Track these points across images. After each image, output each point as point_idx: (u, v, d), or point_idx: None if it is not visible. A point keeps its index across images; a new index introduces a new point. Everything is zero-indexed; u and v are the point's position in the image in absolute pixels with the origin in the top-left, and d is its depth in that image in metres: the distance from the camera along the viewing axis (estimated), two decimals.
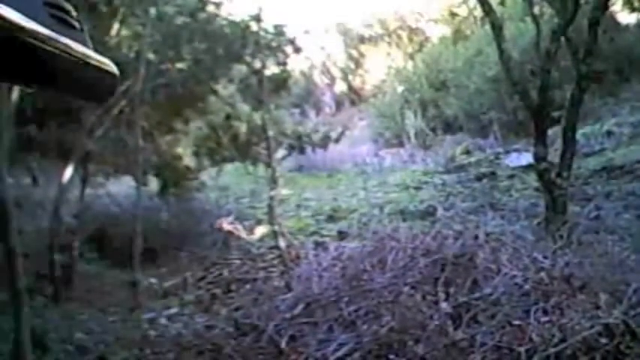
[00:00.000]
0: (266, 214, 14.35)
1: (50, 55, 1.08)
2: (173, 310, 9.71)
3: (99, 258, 12.55)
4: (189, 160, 13.82)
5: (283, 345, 6.52)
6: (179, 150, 13.69)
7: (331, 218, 14.90)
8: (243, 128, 13.52)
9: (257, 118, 12.93)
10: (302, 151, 15.21)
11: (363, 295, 7.39)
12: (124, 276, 11.38)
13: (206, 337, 7.68)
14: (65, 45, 1.12)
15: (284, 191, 15.67)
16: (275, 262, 11.59)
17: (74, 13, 1.21)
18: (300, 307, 7.62)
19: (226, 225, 14.23)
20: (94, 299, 10.46)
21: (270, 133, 11.93)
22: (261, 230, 14.05)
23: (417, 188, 16.38)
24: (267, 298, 8.57)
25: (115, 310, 9.92)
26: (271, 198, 11.78)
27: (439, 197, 15.10)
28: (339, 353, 6.03)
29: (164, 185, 13.96)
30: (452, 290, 7.03)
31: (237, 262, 12.24)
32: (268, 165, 12.50)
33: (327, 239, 13.16)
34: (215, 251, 13.03)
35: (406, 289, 7.13)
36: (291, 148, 14.88)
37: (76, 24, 1.21)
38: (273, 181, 11.89)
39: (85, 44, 1.19)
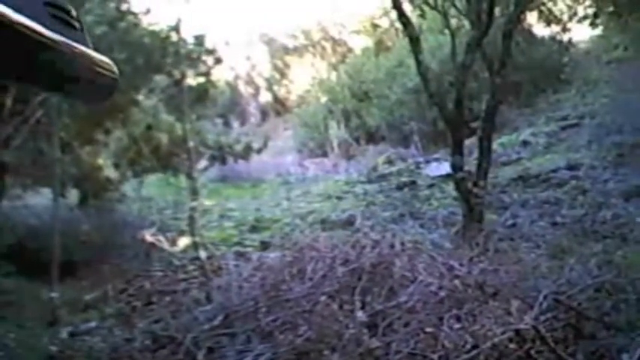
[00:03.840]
0: (188, 225, 14.31)
1: (50, 54, 1.09)
2: (92, 324, 9.59)
3: (16, 272, 12.29)
4: (109, 171, 13.68)
5: (200, 357, 6.52)
6: (99, 161, 13.54)
7: (254, 228, 14.93)
8: (164, 139, 13.44)
9: (179, 128, 12.87)
10: (224, 161, 15.21)
11: (281, 305, 7.45)
12: (42, 290, 11.20)
13: (123, 350, 7.63)
14: (65, 45, 1.13)
15: (207, 202, 15.68)
16: (196, 273, 11.55)
17: (74, 13, 1.22)
18: (219, 318, 7.64)
19: (148, 237, 14.12)
20: (10, 314, 10.26)
21: (191, 143, 11.88)
22: (183, 241, 13.96)
23: (339, 198, 16.52)
24: (186, 309, 8.55)
25: (32, 324, 9.75)
26: (192, 209, 11.74)
27: (360, 206, 15.27)
28: None
29: (84, 197, 13.78)
30: (368, 299, 7.15)
31: (159, 274, 12.16)
32: (189, 176, 12.45)
33: (249, 249, 13.19)
34: (137, 263, 12.91)
35: (323, 298, 7.22)
36: (213, 159, 14.87)
37: (77, 24, 1.23)
38: (193, 192, 11.85)
39: (85, 44, 1.21)
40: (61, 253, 10.86)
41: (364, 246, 8.84)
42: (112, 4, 12.71)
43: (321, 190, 17.51)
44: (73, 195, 13.78)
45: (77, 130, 12.61)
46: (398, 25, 25.00)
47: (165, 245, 13.98)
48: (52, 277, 10.63)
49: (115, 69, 1.29)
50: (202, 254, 11.32)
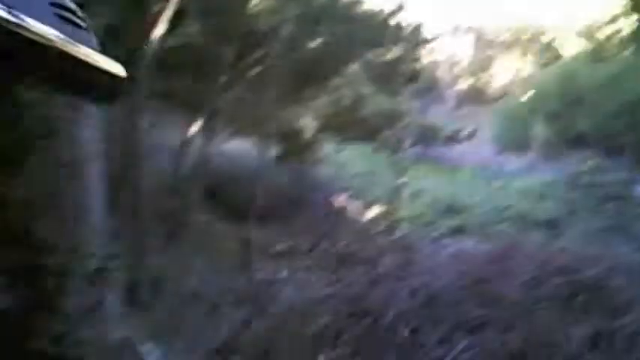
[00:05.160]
0: (380, 196, 14.13)
1: (55, 55, 1.04)
2: (284, 275, 9.52)
3: (211, 211, 12.51)
4: (313, 134, 13.73)
5: (404, 336, 6.21)
6: (304, 122, 13.63)
7: (448, 211, 14.49)
8: (371, 112, 13.30)
9: (386, 104, 12.72)
10: (429, 143, 14.88)
11: (489, 301, 7.05)
12: (234, 231, 11.34)
13: (318, 310, 7.41)
14: (70, 46, 1.08)
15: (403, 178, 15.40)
16: (388, 246, 11.27)
17: (80, 13, 1.19)
18: (420, 300, 7.33)
19: (340, 201, 14.06)
20: (205, 249, 10.38)
21: (402, 122, 11.67)
22: (373, 211, 13.79)
23: (540, 198, 15.79)
24: (383, 282, 8.28)
25: (225, 263, 9.81)
26: (396, 185, 11.51)
27: (562, 211, 14.50)
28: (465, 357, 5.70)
29: (285, 153, 13.88)
30: (588, 315, 6.61)
31: (348, 238, 11.97)
32: (394, 151, 12.28)
33: (442, 231, 12.82)
34: (326, 224, 12.81)
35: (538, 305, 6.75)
36: (418, 139, 14.60)
37: (83, 23, 1.19)
38: (399, 168, 11.63)
39: (90, 44, 1.17)
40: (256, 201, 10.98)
41: (577, 257, 8.30)
42: None
43: (521, 187, 16.80)
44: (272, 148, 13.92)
45: (286, 89, 12.68)
46: (624, 33, 23.80)
47: (355, 212, 13.87)
48: (248, 221, 10.72)
49: (121, 70, 1.23)
50: (397, 229, 11.07)
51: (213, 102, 11.41)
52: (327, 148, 15.18)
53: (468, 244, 11.36)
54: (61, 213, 1.36)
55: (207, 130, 12.04)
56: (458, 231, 12.71)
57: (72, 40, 1.10)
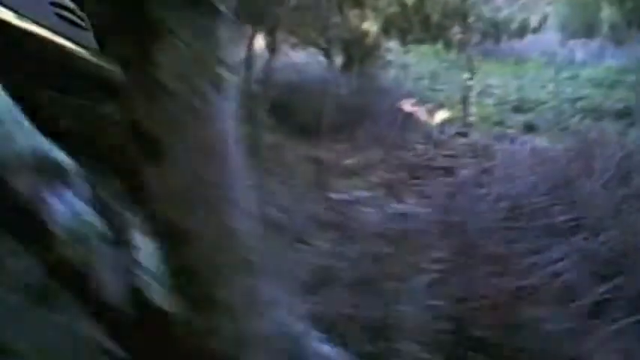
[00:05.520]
0: (448, 98, 13.90)
1: (53, 55, 1.08)
2: (362, 194, 9.42)
3: (278, 128, 12.42)
4: (377, 38, 13.40)
5: (491, 249, 6.16)
6: (367, 26, 13.27)
7: (517, 109, 14.20)
8: (436, 10, 12.89)
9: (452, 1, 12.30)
10: (497, 39, 14.43)
11: (574, 204, 6.93)
12: (303, 149, 11.25)
13: (405, 228, 7.36)
14: (68, 46, 1.13)
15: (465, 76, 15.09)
16: (462, 151, 11.13)
17: (79, 12, 1.22)
18: (504, 207, 7.25)
19: (407, 106, 13.84)
20: (277, 171, 10.33)
21: (470, 18, 11.30)
22: (442, 115, 13.58)
23: (611, 86, 15.34)
24: (462, 192, 8.20)
25: (300, 186, 9.73)
26: (466, 86, 11.26)
27: (634, 99, 14.06)
28: (557, 267, 5.64)
29: (349, 61, 13.62)
30: None
31: (420, 146, 11.84)
32: (461, 50, 11.96)
33: (512, 131, 12.58)
34: (394, 132, 12.63)
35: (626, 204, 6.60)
36: (485, 35, 14.16)
37: (82, 22, 1.22)
38: (469, 68, 11.35)
39: (89, 42, 1.21)
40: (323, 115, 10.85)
41: None
42: None
43: (590, 76, 16.33)
44: (337, 58, 13.63)
45: None
46: None
47: (424, 117, 13.67)
48: (318, 138, 10.65)
49: (117, 69, 1.28)
50: (471, 132, 10.89)
51: (273, 13, 11.19)
52: (392, 51, 14.85)
53: (542, 142, 11.16)
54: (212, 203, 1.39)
55: (270, 44, 11.88)
56: (530, 128, 12.46)
57: (72, 39, 1.15)
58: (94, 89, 1.26)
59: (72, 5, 1.20)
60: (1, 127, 0.95)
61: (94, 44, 1.23)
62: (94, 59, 1.21)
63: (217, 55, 1.64)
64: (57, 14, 1.15)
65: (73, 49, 1.14)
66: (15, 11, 1.00)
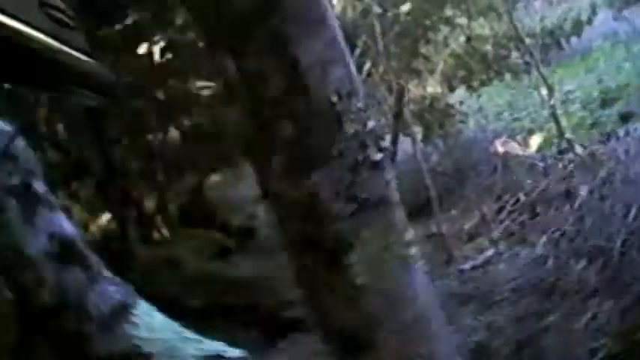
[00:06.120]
0: (533, 121, 13.54)
1: (45, 59, 1.11)
2: (489, 253, 9.09)
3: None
4: (444, 96, 13.22)
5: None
6: (430, 89, 13.13)
7: (604, 103, 13.60)
8: (488, 44, 12.69)
9: (498, 28, 12.09)
10: (559, 45, 14.03)
11: None
12: (420, 229, 10.99)
13: (540, 273, 7.01)
14: (61, 49, 1.16)
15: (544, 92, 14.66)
16: (571, 168, 10.64)
17: (69, 13, 1.24)
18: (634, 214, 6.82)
19: (500, 147, 13.46)
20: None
21: (527, 40, 11.07)
22: (535, 140, 13.15)
23: None
24: (590, 211, 7.77)
25: (430, 267, 9.45)
26: (551, 105, 10.95)
27: None
28: None
29: (427, 129, 13.29)
30: None
31: (528, 181, 11.39)
32: (526, 71, 11.70)
33: (610, 126, 12.04)
34: (499, 177, 12.23)
35: None
36: (545, 46, 13.78)
37: (72, 23, 1.25)
38: (545, 84, 11.10)
39: (78, 43, 1.23)
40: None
41: None
42: None
43: None
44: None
45: (400, 65, 12.26)
46: None
47: (519, 150, 13.26)
48: (430, 214, 10.46)
49: (109, 72, 1.38)
50: (574, 147, 10.50)
51: None
52: (463, 102, 14.47)
53: None
54: None
55: None
56: (626, 117, 11.88)
57: (62, 41, 1.17)
58: (83, 89, 1.29)
59: (62, 5, 1.21)
60: None
61: (82, 45, 1.21)
62: (83, 60, 1.21)
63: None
64: (47, 15, 1.15)
65: (62, 50, 1.13)
66: (3, 11, 0.98)
